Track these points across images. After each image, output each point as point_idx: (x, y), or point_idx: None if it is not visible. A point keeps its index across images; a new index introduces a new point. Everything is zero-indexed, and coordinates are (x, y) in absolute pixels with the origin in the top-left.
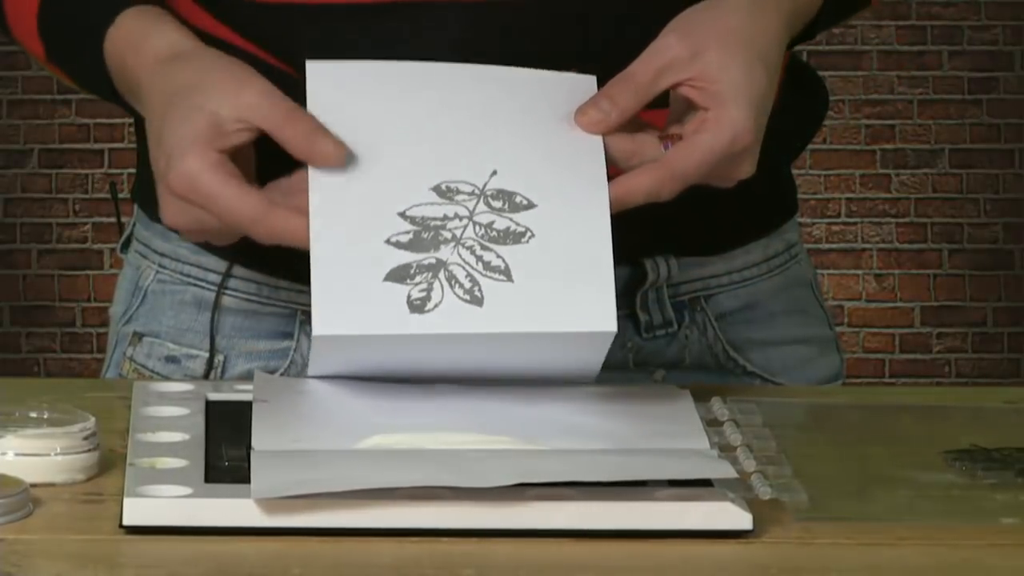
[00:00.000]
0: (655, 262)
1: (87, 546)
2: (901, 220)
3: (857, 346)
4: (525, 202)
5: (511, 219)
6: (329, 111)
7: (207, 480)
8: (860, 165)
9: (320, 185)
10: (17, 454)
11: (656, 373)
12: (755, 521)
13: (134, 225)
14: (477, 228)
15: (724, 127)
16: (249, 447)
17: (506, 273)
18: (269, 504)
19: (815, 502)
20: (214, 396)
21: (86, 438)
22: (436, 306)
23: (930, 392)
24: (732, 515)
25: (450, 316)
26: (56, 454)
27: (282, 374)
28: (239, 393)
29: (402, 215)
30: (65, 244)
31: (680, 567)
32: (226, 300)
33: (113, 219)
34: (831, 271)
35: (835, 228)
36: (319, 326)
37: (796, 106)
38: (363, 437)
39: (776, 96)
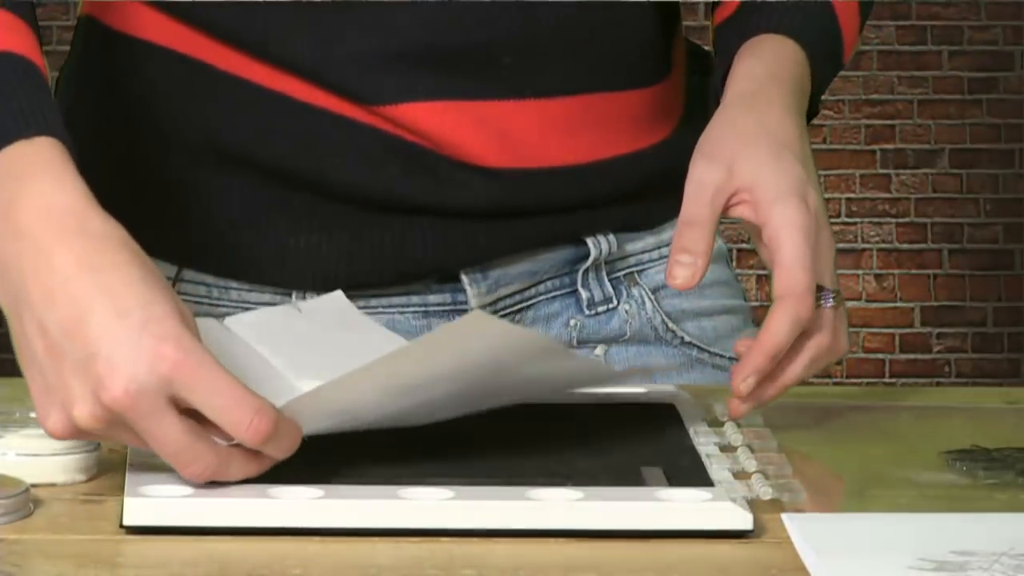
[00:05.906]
0: (596, 239)
1: (87, 546)
2: (901, 220)
3: (857, 346)
4: None
5: None
6: None
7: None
8: (860, 165)
9: None
10: (18, 454)
11: (597, 348)
12: (755, 521)
13: None
14: None
15: (789, 227)
16: None
17: None
18: (269, 504)
19: (815, 502)
20: None
21: None
22: None
23: (930, 392)
24: (732, 515)
25: None
26: (56, 454)
27: None
28: None
29: None
30: None
31: (680, 567)
32: None
33: None
34: None
35: (835, 228)
36: None
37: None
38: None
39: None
